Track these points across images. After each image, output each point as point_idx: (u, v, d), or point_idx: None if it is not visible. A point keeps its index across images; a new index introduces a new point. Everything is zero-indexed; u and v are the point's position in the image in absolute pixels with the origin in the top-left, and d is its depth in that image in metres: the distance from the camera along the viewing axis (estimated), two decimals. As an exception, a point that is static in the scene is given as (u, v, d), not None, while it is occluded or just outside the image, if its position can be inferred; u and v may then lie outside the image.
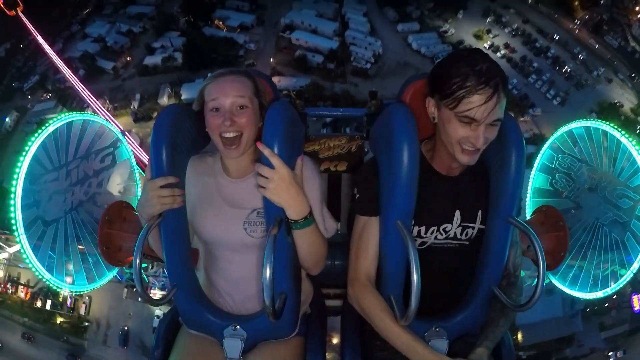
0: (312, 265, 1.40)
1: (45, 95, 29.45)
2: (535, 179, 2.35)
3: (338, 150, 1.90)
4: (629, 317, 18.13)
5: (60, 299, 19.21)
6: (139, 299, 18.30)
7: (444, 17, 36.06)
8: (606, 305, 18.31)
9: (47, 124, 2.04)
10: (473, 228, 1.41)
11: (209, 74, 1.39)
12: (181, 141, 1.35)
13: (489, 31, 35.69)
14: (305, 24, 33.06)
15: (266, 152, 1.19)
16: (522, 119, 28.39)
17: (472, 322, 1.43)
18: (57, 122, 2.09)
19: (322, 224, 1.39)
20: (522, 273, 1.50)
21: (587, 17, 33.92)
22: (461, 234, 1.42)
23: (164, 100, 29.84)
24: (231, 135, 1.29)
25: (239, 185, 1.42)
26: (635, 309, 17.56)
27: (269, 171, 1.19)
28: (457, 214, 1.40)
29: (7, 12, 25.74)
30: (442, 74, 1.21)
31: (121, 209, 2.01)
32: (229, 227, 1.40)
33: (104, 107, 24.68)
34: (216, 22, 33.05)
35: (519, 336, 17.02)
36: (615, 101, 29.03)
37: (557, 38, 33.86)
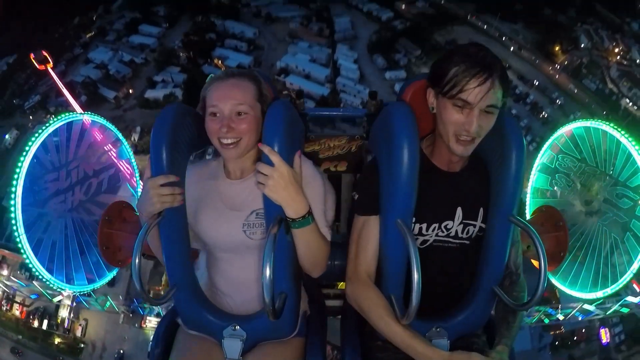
0: (311, 267, 1.36)
1: (46, 116, 29.25)
2: (535, 179, 2.34)
3: (338, 150, 1.90)
4: (598, 349, 18.47)
5: (59, 320, 19.26)
6: (136, 325, 18.47)
7: (429, 65, 36.84)
8: (575, 338, 18.57)
9: (47, 124, 2.04)
10: (474, 226, 1.39)
11: (210, 75, 1.37)
12: (181, 140, 1.33)
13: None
14: (300, 69, 33.87)
15: (266, 149, 1.18)
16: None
17: (473, 322, 1.42)
18: (57, 122, 2.09)
19: (325, 225, 1.36)
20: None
21: (566, 62, 34.85)
22: (462, 232, 1.39)
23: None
24: (229, 141, 1.27)
25: (238, 187, 1.39)
26: (604, 341, 18.05)
27: (269, 168, 1.17)
28: (459, 210, 1.38)
29: (38, 66, 26.27)
30: (441, 65, 1.24)
31: (121, 209, 2.01)
32: (228, 229, 1.38)
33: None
34: (215, 60, 33.80)
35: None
36: (590, 143, 30.03)
37: (536, 84, 34.68)
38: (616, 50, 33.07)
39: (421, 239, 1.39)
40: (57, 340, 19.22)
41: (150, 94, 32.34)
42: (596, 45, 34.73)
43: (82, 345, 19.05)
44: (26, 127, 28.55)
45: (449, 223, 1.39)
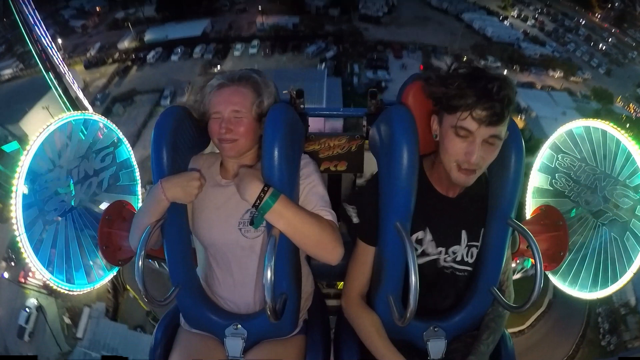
0: (319, 251, 1.30)
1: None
2: (535, 179, 2.37)
3: (338, 150, 1.92)
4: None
5: None
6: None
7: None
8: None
9: (48, 124, 2.06)
10: (477, 247, 1.44)
11: (215, 78, 1.43)
12: (181, 142, 1.39)
13: (513, 5, 35.77)
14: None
15: None
16: (573, 78, 28.31)
17: (470, 321, 1.48)
18: (57, 122, 2.11)
19: (323, 207, 1.36)
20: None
21: (611, 11, 34.16)
22: (467, 255, 1.45)
23: (125, 44, 29.22)
24: (227, 137, 1.38)
25: (234, 186, 1.45)
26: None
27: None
28: (464, 234, 1.43)
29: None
30: (448, 86, 1.19)
31: (121, 208, 2.03)
32: (225, 228, 1.44)
33: (59, 55, 21.57)
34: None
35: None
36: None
37: (583, 22, 33.98)
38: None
39: (428, 258, 1.44)
40: None
41: (120, 14, 31.44)
42: (629, 9, 34.35)
43: None
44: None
45: (456, 248, 1.45)
